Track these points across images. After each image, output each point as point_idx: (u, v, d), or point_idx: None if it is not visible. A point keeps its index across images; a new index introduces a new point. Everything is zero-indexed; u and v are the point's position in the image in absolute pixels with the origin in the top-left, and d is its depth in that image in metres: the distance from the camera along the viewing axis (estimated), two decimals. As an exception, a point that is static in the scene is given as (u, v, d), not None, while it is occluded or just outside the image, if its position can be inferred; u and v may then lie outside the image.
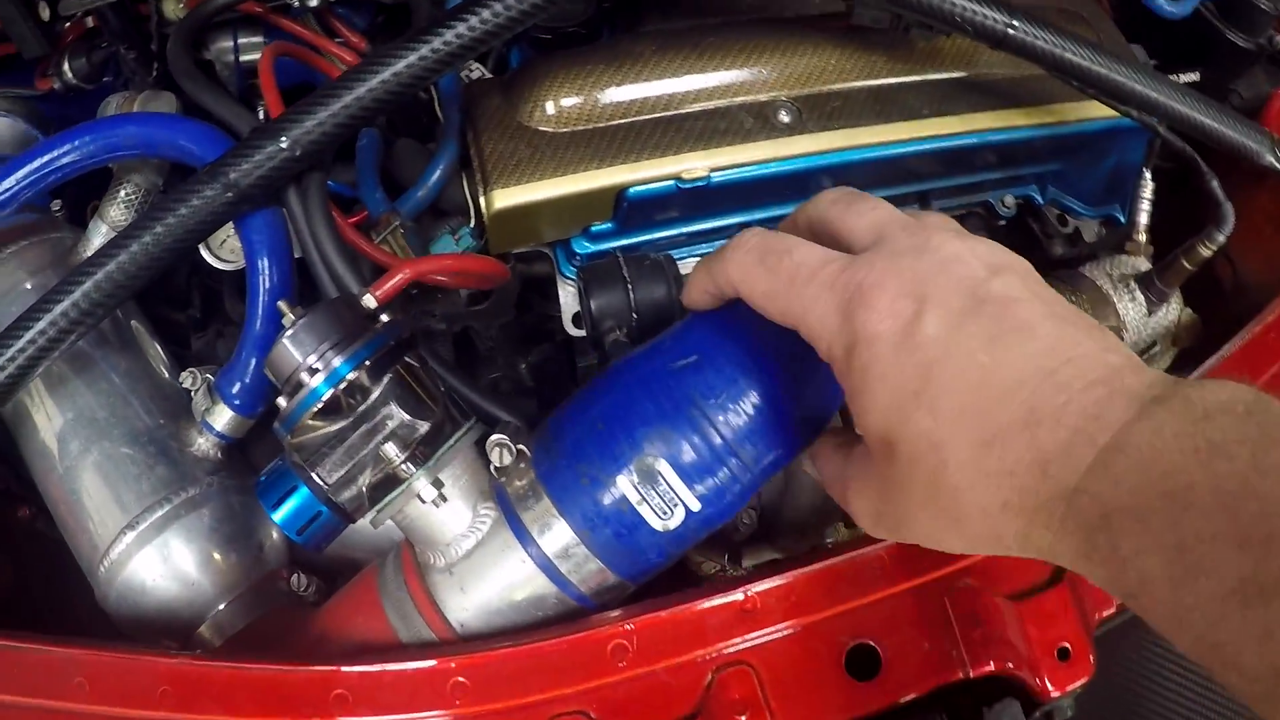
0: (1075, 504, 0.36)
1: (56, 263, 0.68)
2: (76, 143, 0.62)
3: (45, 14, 0.75)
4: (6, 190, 0.63)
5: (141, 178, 0.67)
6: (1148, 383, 0.36)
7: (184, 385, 0.61)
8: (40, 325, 0.57)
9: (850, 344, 0.40)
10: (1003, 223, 0.75)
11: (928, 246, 0.41)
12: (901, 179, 0.71)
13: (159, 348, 0.66)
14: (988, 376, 0.37)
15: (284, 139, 0.57)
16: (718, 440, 0.48)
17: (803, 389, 0.50)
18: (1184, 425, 0.34)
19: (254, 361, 0.59)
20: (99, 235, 0.67)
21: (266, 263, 0.59)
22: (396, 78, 0.57)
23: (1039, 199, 0.75)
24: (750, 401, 0.48)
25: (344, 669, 0.50)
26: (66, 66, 0.74)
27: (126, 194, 0.67)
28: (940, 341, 0.38)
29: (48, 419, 0.62)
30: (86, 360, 0.63)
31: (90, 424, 0.61)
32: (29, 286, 0.66)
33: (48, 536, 0.73)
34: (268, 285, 0.59)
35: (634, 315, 0.62)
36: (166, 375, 0.65)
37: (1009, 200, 0.74)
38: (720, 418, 0.48)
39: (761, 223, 0.69)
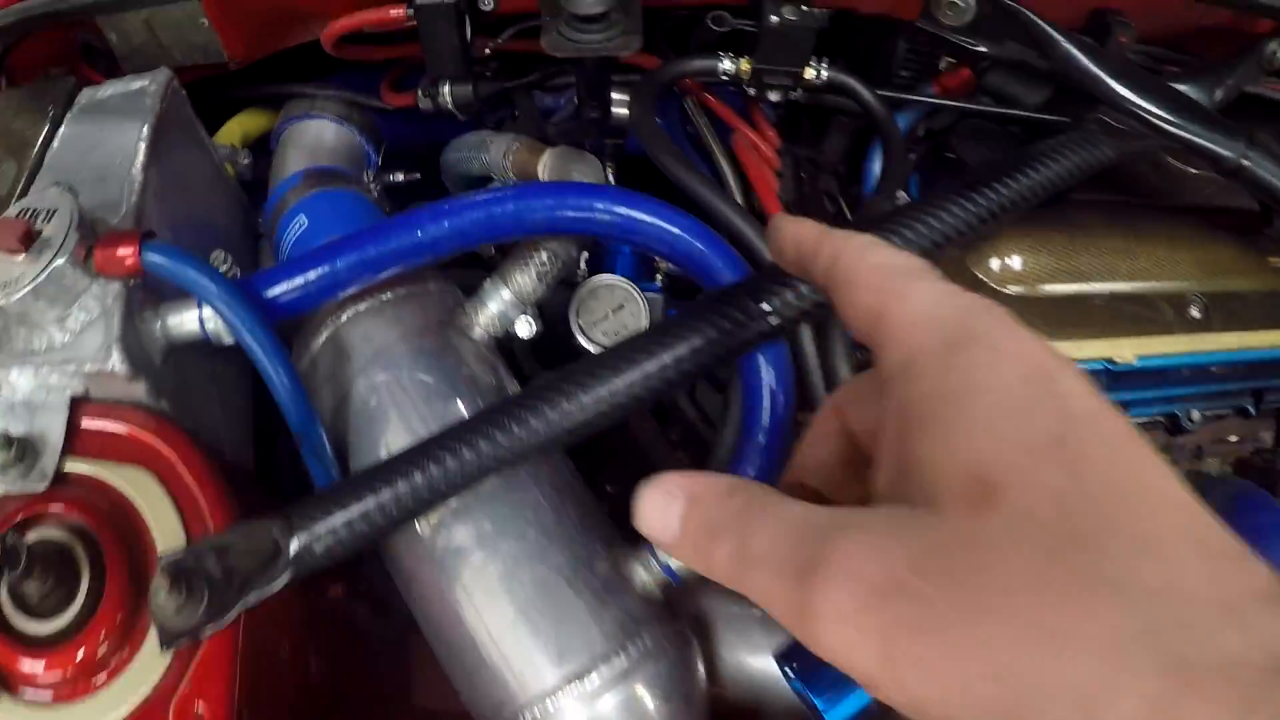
0: None
1: (438, 327, 0.57)
2: (585, 213, 0.53)
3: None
4: (443, 232, 0.53)
5: (560, 248, 0.58)
6: None
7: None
8: (485, 446, 0.48)
9: (966, 338, 0.28)
10: (1303, 423, 0.80)
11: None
12: (1249, 377, 0.74)
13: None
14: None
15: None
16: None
17: None
18: None
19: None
20: (497, 301, 0.58)
21: (776, 389, 0.53)
22: (943, 230, 0.54)
23: (1334, 408, 0.80)
24: None
25: None
26: (448, 89, 0.62)
27: (542, 262, 0.57)
28: (1091, 417, 0.26)
29: (449, 523, 0.53)
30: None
31: (518, 540, 0.52)
32: (404, 350, 0.56)
33: (353, 623, 0.62)
34: (769, 418, 0.53)
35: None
36: (579, 486, 0.56)
37: (1314, 407, 0.79)
38: None
39: (1141, 402, 0.71)
